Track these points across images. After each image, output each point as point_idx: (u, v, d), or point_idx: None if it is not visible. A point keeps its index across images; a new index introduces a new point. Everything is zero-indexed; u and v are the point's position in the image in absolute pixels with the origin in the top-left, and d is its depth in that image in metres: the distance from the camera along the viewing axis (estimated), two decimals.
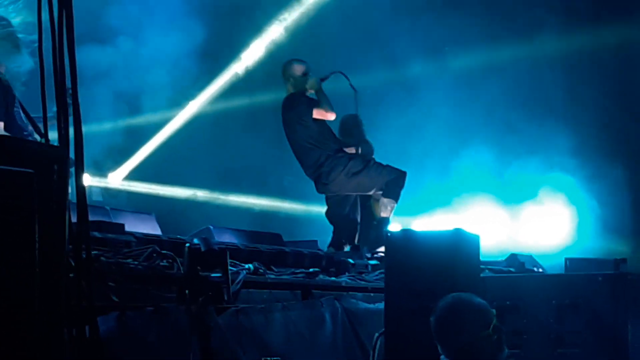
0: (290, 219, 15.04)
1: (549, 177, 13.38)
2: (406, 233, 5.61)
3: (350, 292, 7.07)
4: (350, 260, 7.96)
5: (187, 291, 4.73)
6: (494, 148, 13.61)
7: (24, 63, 6.97)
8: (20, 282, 2.91)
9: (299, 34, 14.25)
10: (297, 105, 9.31)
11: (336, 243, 9.44)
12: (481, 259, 5.96)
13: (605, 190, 13.16)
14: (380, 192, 9.34)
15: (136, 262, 5.23)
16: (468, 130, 13.85)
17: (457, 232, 5.40)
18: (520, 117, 13.66)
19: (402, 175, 9.37)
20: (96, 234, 5.52)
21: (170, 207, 14.11)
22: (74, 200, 3.50)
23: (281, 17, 14.48)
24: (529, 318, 5.83)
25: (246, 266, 6.07)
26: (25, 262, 2.94)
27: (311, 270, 6.92)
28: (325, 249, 9.23)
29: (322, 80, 9.42)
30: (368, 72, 12.98)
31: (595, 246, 12.38)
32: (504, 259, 9.42)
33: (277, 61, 11.18)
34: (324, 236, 9.75)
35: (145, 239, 5.98)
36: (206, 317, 4.56)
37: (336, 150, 9.39)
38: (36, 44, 3.52)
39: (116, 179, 14.77)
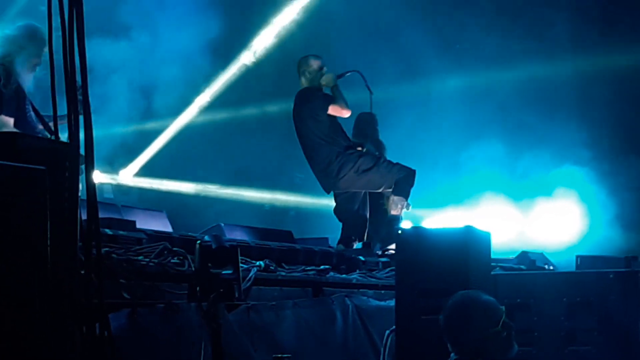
0: (300, 216, 15.05)
1: (560, 173, 13.36)
2: (417, 230, 5.61)
3: (361, 290, 7.07)
4: (361, 258, 7.95)
5: (198, 288, 4.73)
6: (506, 145, 13.60)
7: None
8: (31, 278, 2.92)
9: (310, 31, 14.23)
10: (312, 100, 9.25)
11: (345, 240, 9.41)
12: (492, 256, 5.97)
13: (617, 186, 13.13)
14: (390, 190, 9.33)
15: (147, 259, 5.24)
16: (479, 127, 13.83)
17: (468, 229, 5.40)
18: (531, 114, 13.65)
19: (411, 173, 9.35)
20: (107, 231, 5.54)
21: (181, 204, 14.11)
22: (85, 197, 3.51)
23: (293, 14, 14.49)
24: (540, 316, 5.82)
25: (257, 263, 6.07)
26: (37, 259, 2.95)
27: (322, 267, 6.92)
28: (335, 246, 9.23)
29: (339, 77, 9.40)
30: (379, 69, 12.97)
31: (606, 243, 12.34)
32: (514, 256, 9.40)
33: (288, 57, 11.19)
34: (335, 233, 9.73)
35: (157, 236, 5.99)
36: (217, 314, 4.56)
37: (346, 147, 9.36)
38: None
39: (127, 175, 14.79)
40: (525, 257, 9.29)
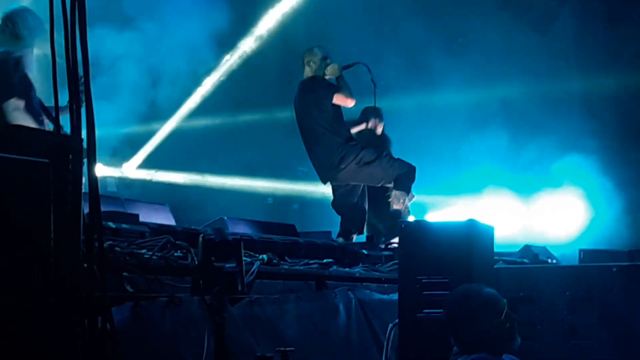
0: (303, 210, 15.05)
1: (564, 166, 13.35)
2: (420, 224, 5.61)
3: (364, 283, 7.07)
4: (364, 251, 7.96)
5: (201, 282, 4.74)
6: (509, 138, 13.59)
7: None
8: (34, 271, 2.92)
9: (314, 24, 14.22)
10: (317, 89, 9.24)
11: (345, 233, 9.40)
12: (495, 250, 5.97)
13: (620, 179, 13.12)
14: (390, 185, 9.33)
15: (150, 253, 5.24)
16: (482, 120, 13.83)
17: (471, 223, 5.40)
18: (535, 107, 13.64)
19: (412, 169, 9.36)
20: (110, 224, 5.54)
21: (185, 198, 14.12)
22: (87, 190, 3.52)
23: (296, 4, 14.48)
24: (543, 309, 5.82)
25: (260, 257, 6.07)
26: (40, 252, 2.95)
27: (325, 261, 6.92)
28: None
29: (344, 68, 9.39)
30: (382, 62, 12.95)
31: (610, 237, 12.33)
32: (517, 250, 9.40)
33: (291, 53, 11.18)
34: (338, 227, 9.73)
35: (160, 230, 6.00)
36: (220, 308, 4.57)
37: (347, 138, 9.35)
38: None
39: (131, 168, 14.80)
40: (528, 251, 9.28)
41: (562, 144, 13.40)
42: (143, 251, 5.25)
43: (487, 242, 5.64)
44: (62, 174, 3.19)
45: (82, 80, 3.47)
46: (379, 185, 9.49)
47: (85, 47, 3.39)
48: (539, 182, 13.54)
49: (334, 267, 6.95)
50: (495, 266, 6.08)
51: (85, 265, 3.37)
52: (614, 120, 13.65)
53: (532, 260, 8.90)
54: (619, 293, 5.65)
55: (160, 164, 14.87)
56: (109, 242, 4.95)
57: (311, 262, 6.84)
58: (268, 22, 14.75)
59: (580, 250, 8.03)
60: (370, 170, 9.26)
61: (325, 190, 9.89)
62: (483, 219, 5.71)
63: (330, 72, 9.33)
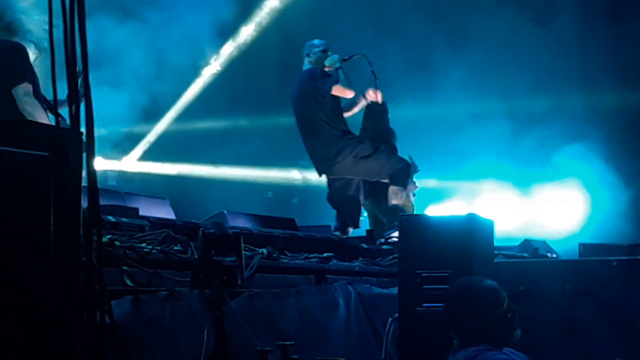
0: (303, 204, 15.06)
1: (564, 161, 13.36)
2: (420, 218, 5.61)
3: (364, 277, 7.07)
4: (364, 245, 7.96)
5: (201, 276, 4.74)
6: (509, 132, 13.60)
7: None
8: (34, 265, 2.92)
9: (315, 16, 14.22)
10: (317, 79, 9.22)
11: (341, 227, 9.41)
12: (495, 244, 5.97)
13: (620, 173, 13.13)
14: (385, 181, 9.33)
15: (150, 247, 5.24)
16: (483, 114, 13.84)
17: (471, 217, 5.40)
18: (535, 102, 13.65)
19: (408, 165, 9.39)
20: (110, 218, 5.54)
21: (185, 192, 14.13)
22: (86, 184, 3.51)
23: None
24: (543, 304, 5.83)
25: (260, 251, 6.07)
26: (40, 246, 2.95)
27: (325, 255, 6.92)
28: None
29: (344, 60, 9.38)
30: (384, 54, 12.95)
31: (610, 231, 12.34)
32: (517, 244, 9.41)
33: (292, 50, 11.17)
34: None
35: (159, 224, 5.99)
36: (220, 302, 4.57)
37: (345, 131, 9.34)
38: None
39: (131, 162, 14.81)
40: (528, 245, 9.29)
41: (562, 137, 13.41)
42: (143, 245, 5.24)
43: (487, 236, 5.64)
44: (62, 168, 3.18)
45: (81, 74, 3.46)
46: (374, 180, 9.50)
47: (84, 39, 3.38)
48: (538, 175, 13.55)
49: (334, 261, 6.95)
50: (495, 260, 6.08)
51: (84, 259, 3.36)
52: (615, 115, 13.65)
53: (532, 255, 8.91)
54: (619, 287, 5.65)
55: (160, 157, 14.88)
56: (108, 236, 4.95)
57: (311, 256, 6.84)
58: (269, 15, 14.75)
59: (580, 245, 8.04)
60: (367, 164, 9.25)
61: (323, 181, 9.86)
62: (483, 212, 5.71)
63: (330, 64, 9.32)
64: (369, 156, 9.24)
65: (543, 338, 5.74)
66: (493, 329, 4.32)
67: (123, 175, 14.55)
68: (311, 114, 9.22)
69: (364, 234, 9.33)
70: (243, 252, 4.93)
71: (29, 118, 6.41)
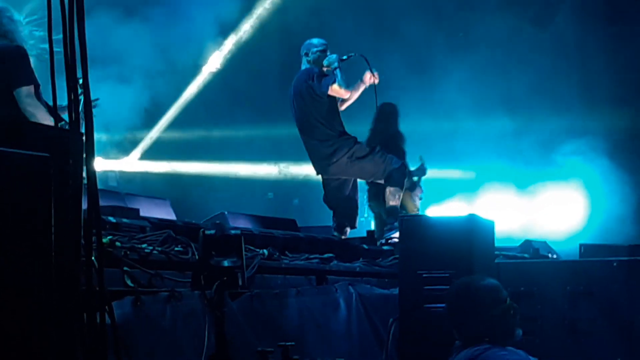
0: (304, 205, 15.06)
1: (565, 162, 13.36)
2: (420, 219, 5.61)
3: (365, 278, 7.07)
4: (365, 246, 7.96)
5: (201, 276, 4.74)
6: (509, 132, 13.60)
7: None
8: (36, 266, 2.92)
9: (314, 15, 14.22)
10: (314, 79, 9.21)
11: (339, 227, 9.41)
12: (495, 244, 5.97)
13: (620, 174, 13.12)
14: (381, 181, 9.34)
15: (151, 247, 5.24)
16: (484, 114, 13.84)
17: (472, 217, 5.40)
18: (535, 101, 13.65)
19: (404, 165, 9.40)
20: (111, 218, 5.54)
21: (185, 192, 14.14)
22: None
23: None
24: (543, 304, 5.83)
25: (261, 252, 6.07)
26: (41, 247, 2.95)
27: (325, 255, 6.92)
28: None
29: (342, 60, 9.37)
30: (383, 55, 12.95)
31: (610, 231, 12.34)
32: (518, 245, 9.41)
33: (292, 49, 11.17)
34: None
35: (160, 224, 5.99)
36: (221, 303, 4.57)
37: (340, 132, 9.34)
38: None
39: (131, 163, 14.82)
40: (528, 246, 9.29)
41: (563, 138, 13.41)
42: (144, 246, 5.24)
43: (488, 236, 5.65)
44: (63, 169, 3.18)
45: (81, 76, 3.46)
46: (369, 180, 9.50)
47: (83, 40, 3.38)
48: (539, 176, 13.56)
49: (335, 262, 6.95)
50: (495, 261, 6.08)
51: (84, 259, 3.36)
52: (615, 116, 13.66)
53: (532, 255, 8.91)
54: (619, 288, 5.66)
55: (161, 157, 14.89)
56: (109, 237, 4.95)
57: (312, 256, 6.84)
58: (269, 13, 14.76)
59: (580, 245, 8.04)
60: (362, 165, 9.25)
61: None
62: (483, 213, 5.72)
63: (328, 63, 9.32)
64: (365, 157, 9.23)
65: (544, 338, 5.74)
66: (495, 326, 4.32)
67: (123, 176, 14.54)
68: (307, 114, 9.22)
69: (364, 234, 9.35)
70: (244, 252, 4.94)
71: (32, 119, 6.43)
